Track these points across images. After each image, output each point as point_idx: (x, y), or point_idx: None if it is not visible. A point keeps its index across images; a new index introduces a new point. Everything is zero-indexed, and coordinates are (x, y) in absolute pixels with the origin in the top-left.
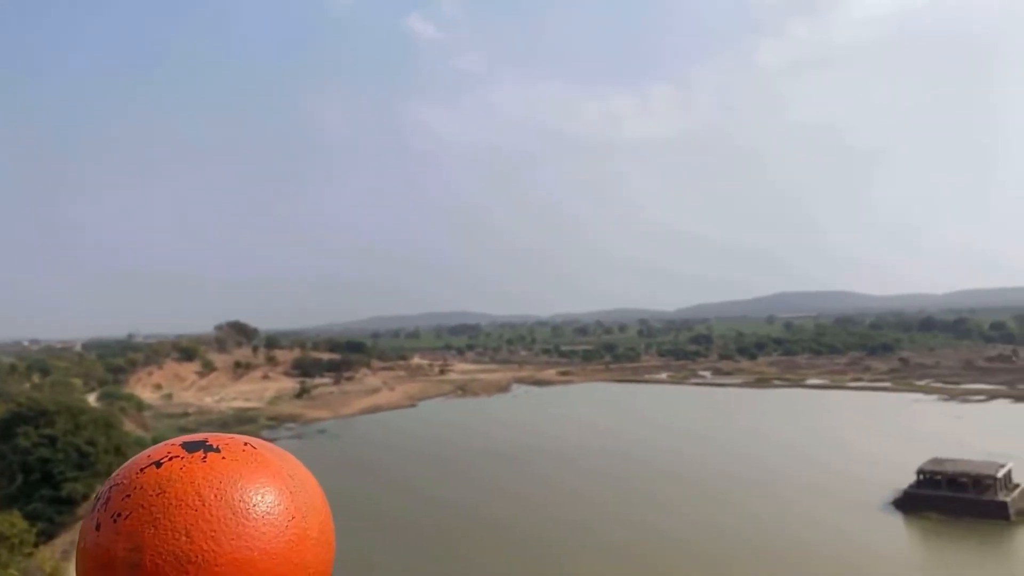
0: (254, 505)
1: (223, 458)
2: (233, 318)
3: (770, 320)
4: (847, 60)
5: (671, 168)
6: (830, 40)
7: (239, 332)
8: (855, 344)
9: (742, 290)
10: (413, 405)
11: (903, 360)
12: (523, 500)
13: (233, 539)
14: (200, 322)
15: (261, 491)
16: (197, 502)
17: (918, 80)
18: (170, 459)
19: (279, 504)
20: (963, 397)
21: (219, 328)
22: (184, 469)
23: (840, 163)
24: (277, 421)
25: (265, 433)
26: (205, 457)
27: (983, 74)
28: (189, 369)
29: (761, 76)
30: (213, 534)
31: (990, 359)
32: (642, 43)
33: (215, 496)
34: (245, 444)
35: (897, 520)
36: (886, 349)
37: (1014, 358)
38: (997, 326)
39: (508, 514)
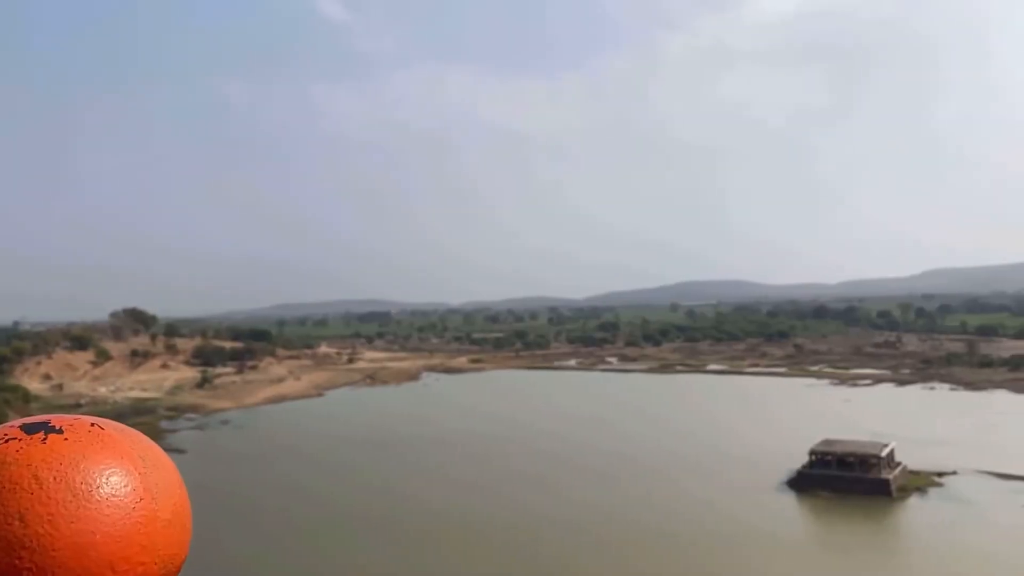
0: (97, 487)
1: (65, 439)
2: (130, 304)
3: (674, 308)
4: (756, 53)
5: (582, 157)
6: (737, 36)
7: (136, 319)
8: (753, 331)
9: (648, 279)
10: (320, 395)
11: (797, 346)
12: (421, 491)
13: (73, 522)
14: (94, 309)
15: (106, 472)
16: (33, 485)
17: (824, 73)
18: (6, 441)
19: (126, 485)
20: (852, 381)
21: (114, 315)
22: (20, 451)
23: (747, 154)
24: (177, 412)
25: (165, 424)
26: (45, 439)
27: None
28: (82, 358)
29: (672, 68)
30: (50, 517)
31: (877, 345)
32: (554, 32)
33: (54, 478)
34: (92, 425)
35: (790, 499)
36: (782, 336)
37: (898, 344)
38: (883, 314)
39: (399, 507)
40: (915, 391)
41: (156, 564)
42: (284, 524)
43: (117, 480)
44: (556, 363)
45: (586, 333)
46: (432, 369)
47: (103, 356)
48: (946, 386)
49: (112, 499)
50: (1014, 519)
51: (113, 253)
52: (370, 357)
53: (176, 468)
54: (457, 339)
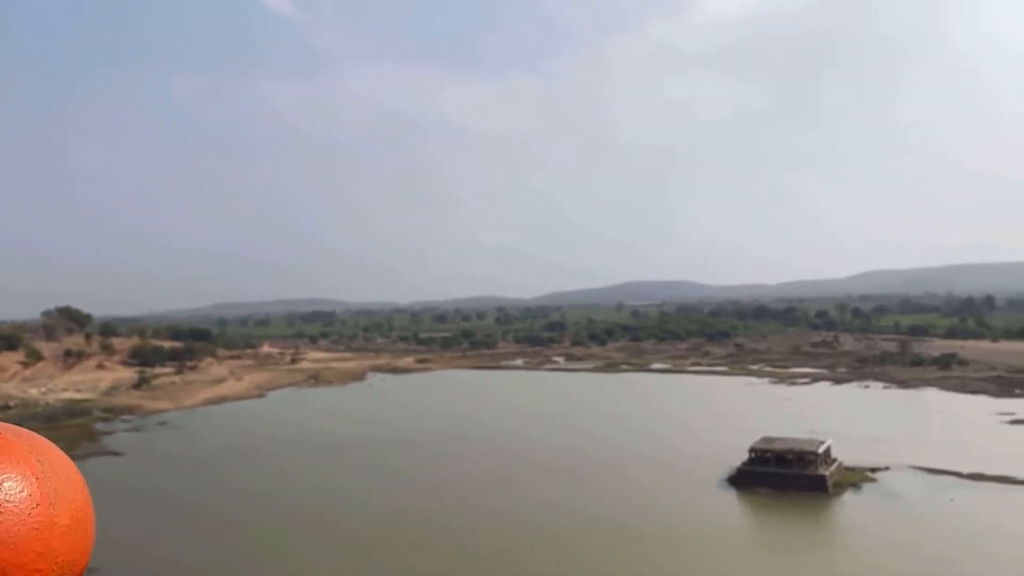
0: None
1: None
2: (62, 302)
3: (619, 308)
4: (703, 56)
5: (533, 156)
6: (685, 39)
7: (70, 318)
8: (696, 331)
9: (594, 279)
10: (262, 395)
11: (738, 346)
12: (361, 488)
13: None
14: (24, 307)
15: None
16: None
17: (767, 75)
18: None
19: (21, 491)
20: (791, 380)
21: (47, 314)
22: None
23: (693, 155)
24: (113, 413)
25: (100, 425)
26: None
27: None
28: (11, 359)
29: (621, 70)
30: None
31: (815, 345)
32: (506, 33)
33: None
34: None
35: (731, 496)
36: (723, 335)
37: (835, 344)
38: (821, 314)
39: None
40: (851, 389)
41: (54, 571)
42: (225, 529)
43: (11, 485)
44: (503, 363)
45: (533, 333)
46: (378, 369)
47: (34, 356)
48: (880, 384)
49: (5, 505)
50: (942, 514)
51: (48, 244)
52: (314, 357)
53: (79, 472)
54: (404, 339)
